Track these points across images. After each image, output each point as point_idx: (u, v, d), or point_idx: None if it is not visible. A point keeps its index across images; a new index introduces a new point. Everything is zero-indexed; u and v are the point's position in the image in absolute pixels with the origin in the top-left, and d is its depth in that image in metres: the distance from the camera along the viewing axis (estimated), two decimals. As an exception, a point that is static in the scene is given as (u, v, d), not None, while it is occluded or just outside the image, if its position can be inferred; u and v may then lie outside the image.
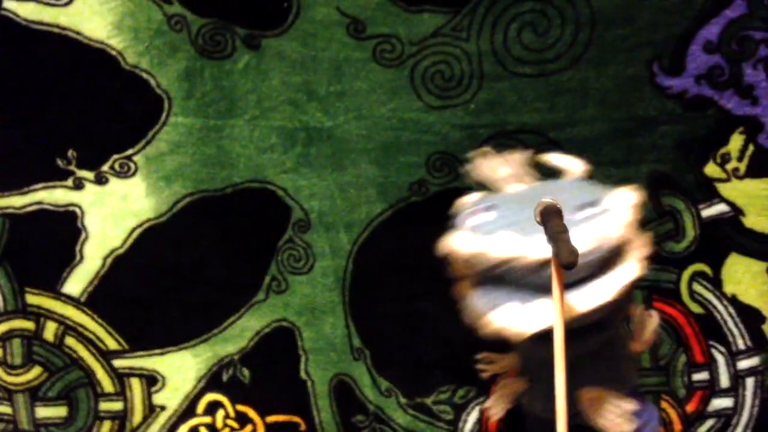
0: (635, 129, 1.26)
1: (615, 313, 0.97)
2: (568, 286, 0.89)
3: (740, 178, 1.27)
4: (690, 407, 1.29)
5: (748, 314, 1.28)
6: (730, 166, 1.27)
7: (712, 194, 1.27)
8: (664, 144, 1.26)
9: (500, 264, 0.90)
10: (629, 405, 0.96)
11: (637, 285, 1.00)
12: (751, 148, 1.25)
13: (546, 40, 1.24)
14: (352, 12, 1.23)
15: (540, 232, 0.89)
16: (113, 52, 1.22)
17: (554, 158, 1.04)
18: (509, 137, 1.26)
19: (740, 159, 1.27)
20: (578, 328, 0.91)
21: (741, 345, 1.28)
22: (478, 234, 0.93)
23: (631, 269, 0.93)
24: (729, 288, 1.28)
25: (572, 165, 1.03)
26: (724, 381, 1.29)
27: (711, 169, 1.27)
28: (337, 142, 1.25)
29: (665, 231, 1.27)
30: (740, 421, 1.29)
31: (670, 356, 1.29)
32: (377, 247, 1.26)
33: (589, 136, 1.25)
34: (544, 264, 0.88)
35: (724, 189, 1.28)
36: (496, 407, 1.02)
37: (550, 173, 1.05)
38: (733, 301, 1.28)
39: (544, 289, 0.89)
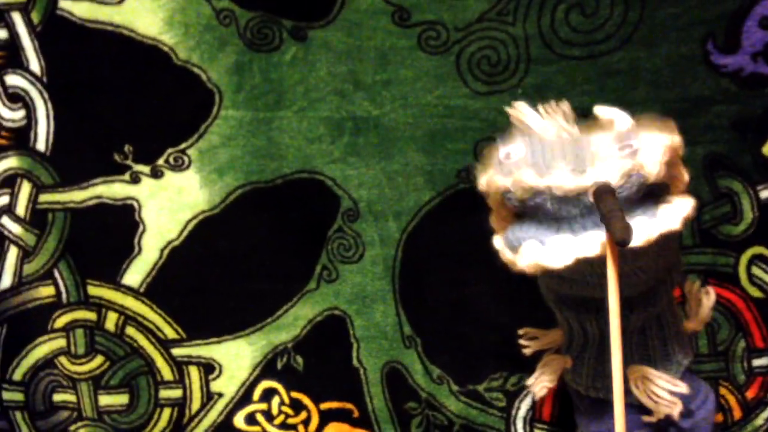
0: (689, 110, 1.20)
1: (662, 283, 0.93)
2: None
3: (801, 157, 1.21)
4: (750, 393, 1.23)
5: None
6: (790, 145, 1.21)
7: (771, 175, 1.22)
8: (719, 124, 1.21)
9: (535, 193, 0.88)
10: (678, 386, 0.92)
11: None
12: (811, 126, 1.19)
13: (595, 21, 1.19)
14: (396, 0, 1.21)
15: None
16: (165, 48, 1.23)
17: (602, 110, 0.98)
18: (558, 121, 1.22)
19: (801, 138, 1.21)
20: (625, 301, 0.88)
21: (804, 331, 1.22)
22: (508, 166, 0.90)
23: (677, 208, 0.89)
24: (790, 272, 1.22)
25: (620, 118, 0.96)
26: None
27: (770, 149, 1.22)
28: (384, 131, 1.23)
29: (722, 214, 1.21)
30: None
31: (728, 341, 1.23)
32: (426, 235, 1.23)
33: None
34: (579, 193, 0.86)
35: (784, 169, 1.22)
36: (538, 384, 0.99)
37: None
38: (794, 286, 1.22)
39: (575, 221, 0.87)
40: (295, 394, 1.25)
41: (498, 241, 0.95)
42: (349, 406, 1.25)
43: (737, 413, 1.23)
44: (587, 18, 1.19)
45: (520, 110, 0.94)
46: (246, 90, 1.23)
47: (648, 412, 0.92)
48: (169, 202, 1.25)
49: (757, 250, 1.21)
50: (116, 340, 1.26)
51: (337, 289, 1.25)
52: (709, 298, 1.02)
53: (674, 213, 0.89)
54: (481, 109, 1.21)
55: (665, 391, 0.90)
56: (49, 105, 1.24)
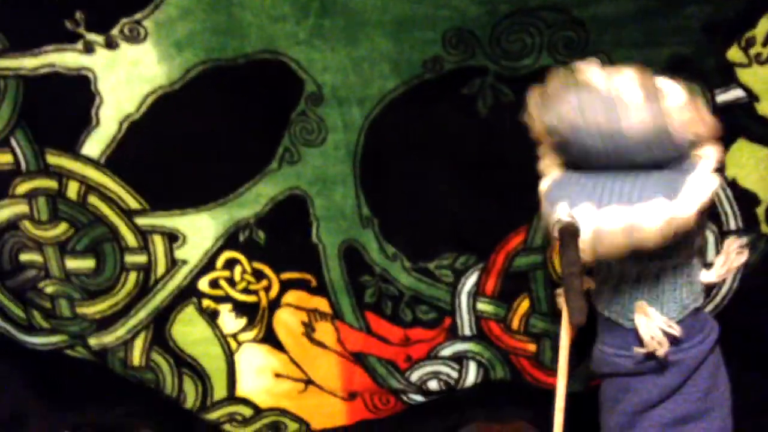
0: (661, 9, 1.04)
1: (684, 240, 0.84)
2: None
3: (762, 63, 1.07)
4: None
5: (744, 197, 1.14)
6: (753, 51, 1.06)
7: (730, 79, 1.08)
8: (689, 26, 1.05)
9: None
10: (673, 330, 0.86)
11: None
12: (779, 34, 1.05)
13: None
14: None
15: None
16: None
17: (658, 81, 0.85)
18: (530, 14, 1.05)
19: (765, 44, 1.06)
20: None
21: (732, 225, 1.15)
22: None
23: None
24: (731, 171, 1.12)
25: (674, 91, 0.84)
26: (712, 257, 1.17)
27: (733, 53, 1.07)
28: (351, 14, 1.04)
29: (677, 117, 1.10)
30: (720, 291, 1.19)
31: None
32: (389, 123, 1.09)
33: (612, 15, 1.04)
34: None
35: (743, 74, 1.08)
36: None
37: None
38: (733, 184, 1.13)
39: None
40: (256, 265, 1.16)
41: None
42: (307, 276, 1.17)
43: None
44: None
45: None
46: (205, -41, 1.01)
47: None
48: (126, 75, 1.06)
49: (704, 153, 1.11)
50: (79, 208, 1.13)
51: (298, 170, 1.12)
52: (739, 259, 0.93)
53: (698, 190, 0.80)
54: (452, -3, 1.03)
55: (660, 330, 0.85)
56: (-9, -36, 1.01)
